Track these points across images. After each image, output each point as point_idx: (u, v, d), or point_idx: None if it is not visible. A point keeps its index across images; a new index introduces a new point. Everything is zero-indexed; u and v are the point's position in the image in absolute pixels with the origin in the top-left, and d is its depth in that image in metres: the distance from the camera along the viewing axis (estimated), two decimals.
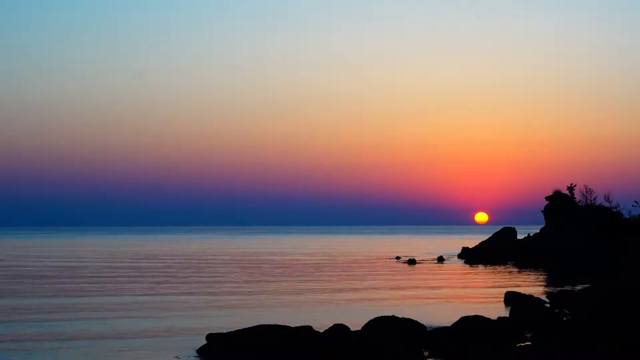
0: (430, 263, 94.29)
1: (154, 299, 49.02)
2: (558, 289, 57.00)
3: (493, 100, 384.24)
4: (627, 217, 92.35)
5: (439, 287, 59.26)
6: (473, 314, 33.54)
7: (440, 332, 31.75)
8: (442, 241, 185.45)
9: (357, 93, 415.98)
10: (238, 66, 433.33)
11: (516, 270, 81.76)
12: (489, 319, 32.58)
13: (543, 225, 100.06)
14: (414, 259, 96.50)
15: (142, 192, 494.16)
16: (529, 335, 32.14)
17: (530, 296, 42.73)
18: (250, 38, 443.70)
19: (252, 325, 30.58)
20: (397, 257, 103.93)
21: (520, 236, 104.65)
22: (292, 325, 30.77)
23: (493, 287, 60.00)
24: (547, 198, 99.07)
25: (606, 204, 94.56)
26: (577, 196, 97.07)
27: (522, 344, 30.12)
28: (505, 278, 69.97)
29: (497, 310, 42.17)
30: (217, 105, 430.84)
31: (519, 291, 47.48)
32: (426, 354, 28.93)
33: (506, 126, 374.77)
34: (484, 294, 53.85)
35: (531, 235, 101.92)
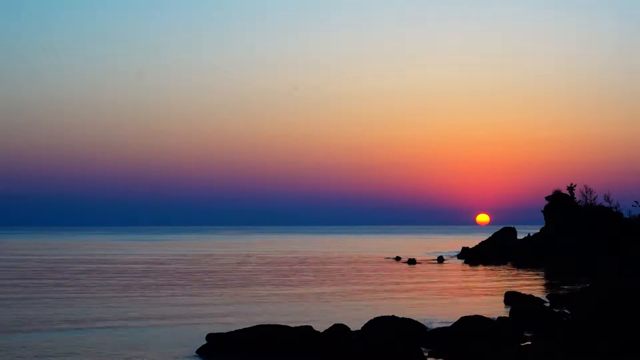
0: (430, 263, 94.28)
1: (154, 299, 49.00)
2: (558, 289, 57.02)
3: (494, 101, 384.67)
4: (627, 217, 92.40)
5: (439, 287, 59.24)
6: (473, 314, 33.53)
7: (440, 332, 31.76)
8: (442, 241, 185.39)
9: (357, 94, 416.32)
10: (237, 66, 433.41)
11: (516, 270, 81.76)
12: (489, 319, 32.57)
13: (543, 225, 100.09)
14: (414, 259, 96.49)
15: (142, 192, 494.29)
16: (529, 335, 32.15)
17: (530, 296, 42.72)
18: (250, 37, 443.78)
19: (252, 325, 30.60)
20: (397, 257, 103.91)
21: (520, 236, 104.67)
22: (292, 325, 30.78)
23: (493, 287, 59.98)
24: (547, 198, 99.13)
25: (606, 204, 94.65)
26: (577, 196, 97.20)
27: (522, 344, 30.10)
28: (505, 278, 69.95)
29: (497, 310, 42.17)
30: (216, 105, 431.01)
31: (519, 291, 47.47)
32: (426, 354, 28.93)
33: (506, 126, 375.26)
34: (484, 294, 53.84)
35: (531, 235, 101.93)
